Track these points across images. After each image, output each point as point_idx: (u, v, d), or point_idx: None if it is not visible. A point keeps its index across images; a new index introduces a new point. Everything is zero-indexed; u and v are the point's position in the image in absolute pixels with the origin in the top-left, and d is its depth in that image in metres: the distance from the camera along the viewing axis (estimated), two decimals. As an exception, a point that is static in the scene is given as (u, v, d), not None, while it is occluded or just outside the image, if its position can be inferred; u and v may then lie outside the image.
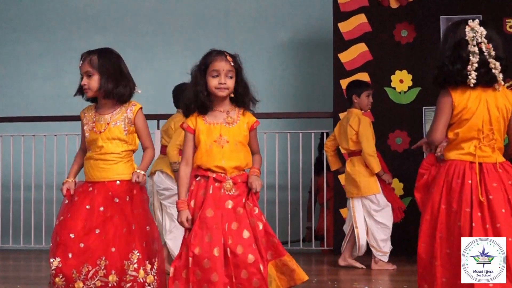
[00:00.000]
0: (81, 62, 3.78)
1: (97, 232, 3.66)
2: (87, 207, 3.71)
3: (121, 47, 8.54)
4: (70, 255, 3.61)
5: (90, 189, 3.76)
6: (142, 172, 3.74)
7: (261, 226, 3.44)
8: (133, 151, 3.89)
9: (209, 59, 3.50)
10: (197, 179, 3.54)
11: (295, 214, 7.35)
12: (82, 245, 3.63)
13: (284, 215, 7.29)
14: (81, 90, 3.84)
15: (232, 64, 3.49)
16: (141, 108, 3.85)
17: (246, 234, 3.40)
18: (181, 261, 3.42)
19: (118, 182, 3.77)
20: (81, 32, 8.72)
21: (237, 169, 3.50)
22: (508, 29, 6.79)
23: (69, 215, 3.69)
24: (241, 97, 3.54)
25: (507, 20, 6.80)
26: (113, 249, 3.65)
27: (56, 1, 8.97)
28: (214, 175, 3.48)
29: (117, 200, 3.72)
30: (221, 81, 3.47)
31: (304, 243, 7.43)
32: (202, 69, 3.51)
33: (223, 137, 3.49)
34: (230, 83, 3.49)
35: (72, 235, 3.63)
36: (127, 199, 3.73)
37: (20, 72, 8.97)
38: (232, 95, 3.54)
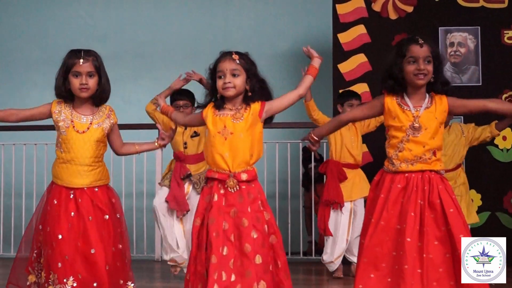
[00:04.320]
0: (82, 61, 3.70)
1: (92, 252, 3.63)
2: (72, 214, 3.67)
3: (120, 55, 8.73)
4: (79, 276, 3.60)
5: (72, 196, 3.72)
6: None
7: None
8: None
9: (216, 62, 3.55)
10: (205, 185, 3.55)
11: (295, 223, 7.39)
12: (79, 276, 3.62)
13: (284, 224, 7.33)
14: (60, 89, 3.76)
15: (238, 62, 3.50)
16: None
17: (247, 248, 3.35)
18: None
19: (96, 189, 3.76)
20: (82, 40, 8.76)
21: (242, 163, 3.46)
22: (506, 41, 6.85)
23: (60, 236, 3.62)
24: (255, 95, 3.53)
25: (504, 32, 6.86)
26: (107, 267, 3.67)
27: (56, 9, 9.03)
28: (217, 175, 3.46)
29: (107, 217, 3.72)
30: (225, 81, 3.47)
31: (305, 255, 7.47)
32: (212, 71, 3.56)
33: (227, 129, 3.48)
34: (238, 81, 3.48)
35: (67, 257, 3.61)
36: (107, 217, 3.73)
37: (20, 80, 9.02)
38: (249, 94, 3.52)
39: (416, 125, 3.54)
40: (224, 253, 3.35)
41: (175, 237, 5.64)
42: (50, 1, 9.07)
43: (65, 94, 3.78)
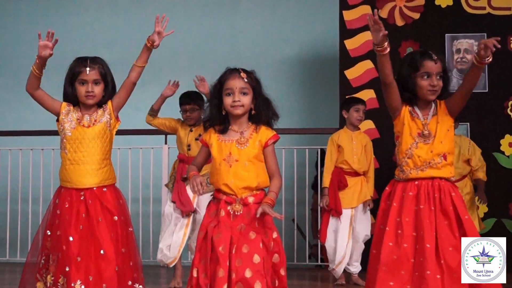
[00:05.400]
0: (88, 69, 3.76)
1: (102, 253, 3.66)
2: (83, 215, 3.70)
3: (127, 61, 8.64)
4: (90, 278, 3.63)
5: (82, 197, 3.73)
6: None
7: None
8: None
9: (223, 78, 3.48)
10: (212, 200, 3.53)
11: (301, 229, 7.39)
12: (90, 278, 3.65)
13: (291, 230, 7.34)
14: (68, 96, 3.84)
15: (246, 80, 3.44)
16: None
17: (256, 258, 3.31)
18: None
19: (105, 189, 3.77)
20: (89, 46, 8.79)
21: (247, 189, 3.42)
22: (512, 47, 6.87)
23: (71, 238, 3.66)
24: (260, 114, 3.47)
25: (511, 38, 6.86)
26: (116, 268, 3.69)
27: (64, 15, 9.05)
28: (224, 197, 3.43)
29: (116, 218, 3.75)
30: (234, 99, 3.42)
31: (310, 259, 7.47)
32: (218, 88, 3.49)
33: (232, 156, 3.43)
34: (246, 100, 3.43)
35: (79, 258, 3.64)
36: (116, 219, 3.75)
37: (28, 86, 9.03)
38: (253, 112, 3.47)
39: (426, 132, 3.61)
40: (230, 266, 3.33)
41: (170, 243, 5.70)
42: (58, 8, 9.11)
43: (72, 100, 3.85)
